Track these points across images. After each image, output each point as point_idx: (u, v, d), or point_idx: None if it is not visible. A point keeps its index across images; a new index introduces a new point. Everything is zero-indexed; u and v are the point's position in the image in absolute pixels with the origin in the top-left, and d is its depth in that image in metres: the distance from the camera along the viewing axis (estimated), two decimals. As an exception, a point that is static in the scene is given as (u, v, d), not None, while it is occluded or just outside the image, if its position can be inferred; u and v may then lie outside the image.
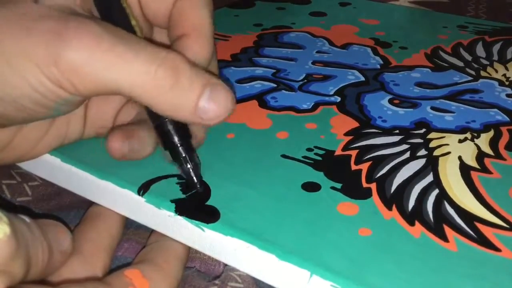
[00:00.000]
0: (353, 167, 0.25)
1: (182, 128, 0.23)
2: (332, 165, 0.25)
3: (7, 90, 0.20)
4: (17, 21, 0.19)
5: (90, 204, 0.25)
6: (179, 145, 0.23)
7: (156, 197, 0.23)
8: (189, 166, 0.23)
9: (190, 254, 0.24)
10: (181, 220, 0.22)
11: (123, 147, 0.24)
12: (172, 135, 0.23)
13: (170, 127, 0.22)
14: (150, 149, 0.24)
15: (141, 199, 0.23)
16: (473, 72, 0.35)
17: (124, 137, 0.24)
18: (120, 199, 0.23)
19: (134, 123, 0.25)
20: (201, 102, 0.21)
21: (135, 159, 0.24)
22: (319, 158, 0.26)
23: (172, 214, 0.22)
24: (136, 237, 0.25)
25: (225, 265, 0.23)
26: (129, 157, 0.24)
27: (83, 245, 0.22)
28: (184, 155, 0.23)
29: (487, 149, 0.27)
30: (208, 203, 0.23)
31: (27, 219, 0.18)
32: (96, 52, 0.19)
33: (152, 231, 0.24)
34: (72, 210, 0.26)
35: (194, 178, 0.23)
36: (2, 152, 0.23)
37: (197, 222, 0.22)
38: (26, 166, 0.27)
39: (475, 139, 0.27)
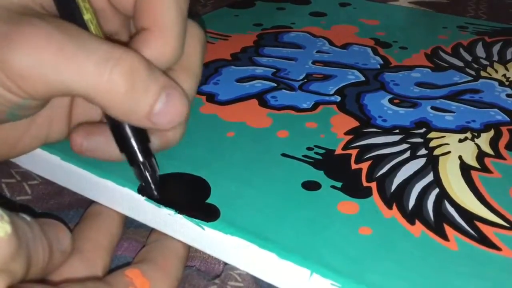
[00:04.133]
0: (353, 166, 0.25)
1: (140, 131, 0.22)
2: (332, 164, 0.25)
3: None
4: None
5: (89, 203, 0.25)
6: (136, 149, 0.22)
7: (156, 195, 0.23)
8: (147, 172, 0.22)
9: (190, 253, 0.24)
10: (181, 219, 0.22)
11: (83, 142, 0.23)
12: (130, 138, 0.21)
13: (127, 129, 0.21)
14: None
15: (141, 198, 0.23)
16: (473, 72, 0.35)
17: (87, 133, 0.23)
18: (120, 198, 0.23)
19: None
20: (156, 108, 0.20)
21: (102, 159, 0.24)
22: (319, 157, 0.26)
23: (172, 212, 0.22)
24: (135, 236, 0.25)
25: (225, 264, 0.23)
26: (93, 154, 0.23)
27: (83, 244, 0.22)
28: (142, 160, 0.22)
29: (487, 148, 0.27)
30: (208, 201, 0.22)
31: (27, 218, 0.18)
32: (44, 54, 0.18)
33: (151, 230, 0.24)
34: (72, 209, 0.26)
35: (152, 184, 0.22)
36: None
37: (197, 220, 0.22)
38: (26, 164, 0.27)
39: (475, 139, 0.27)
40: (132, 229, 0.25)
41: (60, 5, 0.21)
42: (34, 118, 0.23)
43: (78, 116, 0.25)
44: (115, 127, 0.22)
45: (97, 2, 0.22)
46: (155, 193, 0.22)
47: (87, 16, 0.21)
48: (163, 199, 0.22)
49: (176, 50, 0.22)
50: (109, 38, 0.22)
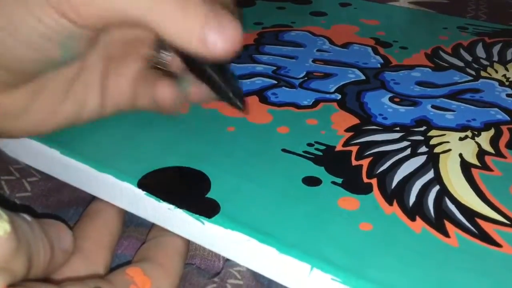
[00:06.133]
0: (354, 162, 0.25)
1: (220, 66, 0.24)
2: (332, 160, 0.25)
3: (14, 22, 0.19)
4: None
5: (89, 201, 0.25)
6: (223, 83, 0.24)
7: (156, 190, 0.23)
8: (237, 101, 0.24)
9: (190, 251, 0.24)
10: (181, 214, 0.22)
11: (173, 91, 0.25)
12: (214, 76, 0.24)
13: (208, 68, 0.24)
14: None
15: (141, 192, 0.23)
16: (473, 72, 0.35)
17: (170, 81, 0.25)
18: (119, 192, 0.23)
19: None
20: (209, 33, 0.20)
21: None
22: (320, 153, 0.25)
23: (172, 207, 0.22)
24: (136, 234, 0.25)
25: (225, 261, 0.23)
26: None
27: (84, 243, 0.22)
28: (230, 94, 0.24)
29: (487, 147, 0.27)
30: (208, 196, 0.22)
31: (28, 217, 0.18)
32: None
33: (151, 227, 0.24)
34: (71, 207, 0.26)
35: (237, 101, 0.24)
36: (18, 119, 0.23)
37: (197, 215, 0.21)
38: (25, 159, 0.27)
39: (475, 137, 0.27)
40: (132, 227, 0.25)
41: None
42: (70, 83, 0.24)
43: (110, 86, 0.25)
44: (199, 69, 0.24)
45: None
46: (240, 105, 0.24)
47: None
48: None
49: None
50: None
